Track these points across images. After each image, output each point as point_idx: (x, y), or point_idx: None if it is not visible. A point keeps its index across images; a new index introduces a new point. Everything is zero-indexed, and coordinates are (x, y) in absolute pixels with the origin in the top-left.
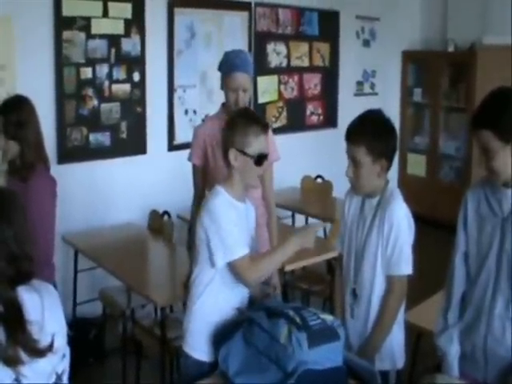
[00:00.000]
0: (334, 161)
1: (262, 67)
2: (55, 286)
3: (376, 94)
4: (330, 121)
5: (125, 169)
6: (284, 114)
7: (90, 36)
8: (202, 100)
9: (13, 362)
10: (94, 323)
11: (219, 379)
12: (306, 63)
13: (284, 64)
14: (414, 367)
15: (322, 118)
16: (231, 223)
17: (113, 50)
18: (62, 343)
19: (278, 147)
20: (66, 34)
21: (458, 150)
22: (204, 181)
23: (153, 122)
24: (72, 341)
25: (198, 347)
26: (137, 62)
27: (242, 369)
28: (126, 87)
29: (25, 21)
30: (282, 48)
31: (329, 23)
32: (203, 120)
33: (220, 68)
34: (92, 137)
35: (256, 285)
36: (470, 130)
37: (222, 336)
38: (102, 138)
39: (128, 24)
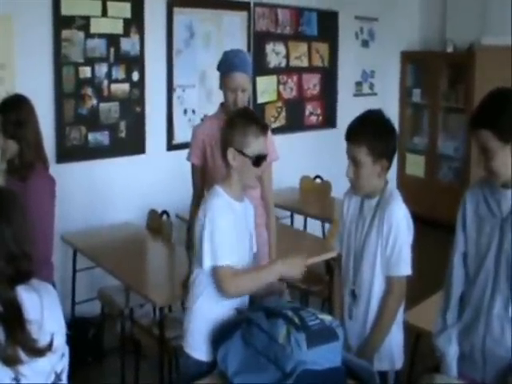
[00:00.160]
0: (332, 161)
1: (261, 67)
2: (54, 286)
3: (375, 94)
4: (328, 121)
5: (124, 168)
6: (283, 114)
7: (89, 35)
8: (201, 100)
9: (12, 362)
10: (93, 322)
11: (218, 379)
12: (305, 63)
13: (283, 64)
14: (413, 367)
15: (320, 118)
16: (226, 228)
17: (112, 50)
18: (61, 342)
19: (277, 147)
20: (65, 34)
21: (456, 151)
22: (203, 180)
23: (152, 121)
24: (71, 340)
25: (197, 347)
26: (136, 62)
27: (240, 369)
28: (125, 87)
29: (24, 20)
30: (281, 48)
31: (328, 23)
32: (202, 120)
33: (219, 68)
34: (91, 136)
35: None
36: (469, 130)
37: (220, 336)
38: (101, 138)
39: (127, 23)
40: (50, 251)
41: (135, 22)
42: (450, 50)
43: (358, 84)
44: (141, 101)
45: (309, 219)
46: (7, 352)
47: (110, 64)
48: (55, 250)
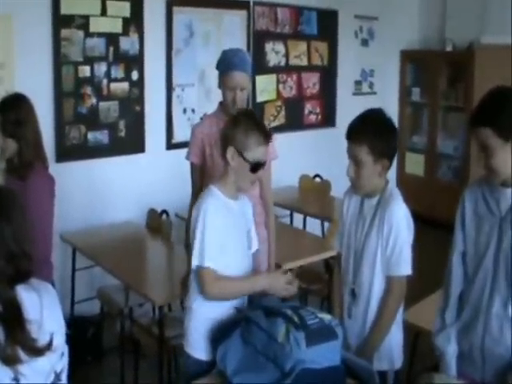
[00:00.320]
0: (332, 160)
1: (260, 66)
2: (53, 285)
3: (374, 93)
4: (328, 120)
5: (123, 167)
6: (282, 113)
7: (88, 34)
8: (201, 99)
9: (12, 361)
10: (92, 322)
11: (217, 378)
12: (304, 62)
13: (282, 63)
14: (412, 367)
15: (320, 117)
16: (216, 229)
17: (111, 49)
18: (60, 342)
19: (276, 146)
20: (65, 33)
21: (456, 150)
22: (202, 179)
23: (151, 120)
24: (70, 339)
25: (197, 346)
26: (135, 61)
27: (239, 368)
28: (125, 86)
29: (23, 19)
30: (280, 47)
31: (327, 22)
32: (201, 119)
33: (218, 67)
34: (90, 135)
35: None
36: (469, 128)
37: (220, 335)
38: (101, 137)
39: (126, 22)
40: (49, 250)
41: (134, 21)
42: (449, 48)
43: (358, 83)
44: (140, 100)
45: (308, 218)
46: (7, 351)
47: (110, 63)
48: (54, 249)
